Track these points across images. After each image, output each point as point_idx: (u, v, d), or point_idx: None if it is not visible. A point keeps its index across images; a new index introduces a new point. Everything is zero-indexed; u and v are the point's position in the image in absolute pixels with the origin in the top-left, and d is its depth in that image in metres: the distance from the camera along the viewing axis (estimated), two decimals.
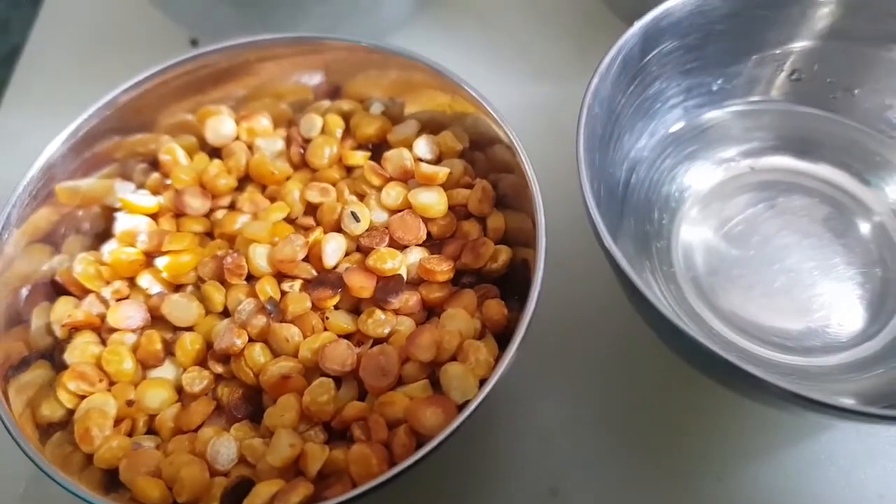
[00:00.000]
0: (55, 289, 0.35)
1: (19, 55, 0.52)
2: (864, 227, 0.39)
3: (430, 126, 0.39)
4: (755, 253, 0.39)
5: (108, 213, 0.37)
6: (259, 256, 0.34)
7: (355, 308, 0.34)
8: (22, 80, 0.51)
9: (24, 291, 0.34)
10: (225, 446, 0.30)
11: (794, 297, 0.38)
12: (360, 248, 0.35)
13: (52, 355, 0.34)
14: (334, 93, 0.40)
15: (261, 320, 0.32)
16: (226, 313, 0.34)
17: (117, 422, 0.32)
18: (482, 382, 0.29)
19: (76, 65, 0.51)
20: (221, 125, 0.39)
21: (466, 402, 0.29)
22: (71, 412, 0.32)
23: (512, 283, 0.34)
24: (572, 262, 0.38)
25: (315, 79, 0.40)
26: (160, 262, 0.34)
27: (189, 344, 0.33)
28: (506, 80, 0.47)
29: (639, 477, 0.35)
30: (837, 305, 0.37)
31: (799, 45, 0.40)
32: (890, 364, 0.36)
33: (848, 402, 0.35)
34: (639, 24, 0.35)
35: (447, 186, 0.36)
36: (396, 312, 0.33)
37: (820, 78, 0.41)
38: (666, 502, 0.34)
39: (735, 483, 0.34)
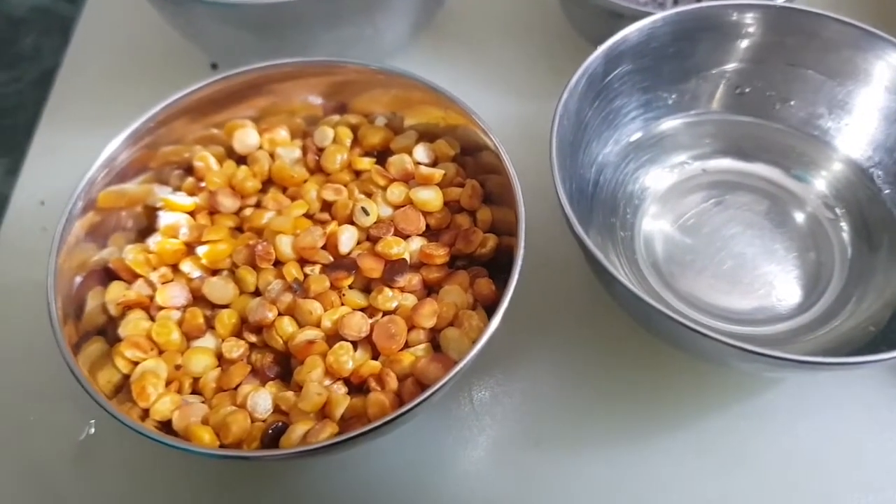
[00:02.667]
0: (107, 275, 0.40)
1: (53, 78, 0.57)
2: (800, 217, 0.45)
3: (427, 136, 0.44)
4: (706, 241, 0.44)
5: (148, 213, 0.42)
6: (285, 245, 0.39)
7: (367, 287, 0.38)
8: (58, 100, 0.55)
9: (78, 279, 0.39)
10: (262, 398, 0.35)
11: (739, 278, 0.43)
12: (369, 238, 0.39)
13: (106, 331, 0.38)
14: (341, 110, 0.45)
15: (288, 297, 0.37)
16: (257, 293, 0.39)
17: (167, 384, 0.36)
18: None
19: (107, 85, 0.55)
20: (247, 136, 0.43)
21: None
22: (125, 378, 0.36)
23: (499, 265, 0.39)
24: (549, 247, 0.44)
25: (325, 96, 0.45)
26: (200, 250, 0.39)
27: (227, 318, 0.38)
28: (489, 97, 0.52)
29: (610, 429, 0.40)
30: (778, 284, 0.43)
31: (740, 64, 0.46)
32: (822, 331, 0.41)
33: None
34: (601, 48, 0.41)
35: (442, 185, 0.41)
36: (402, 290, 0.38)
37: (761, 91, 0.46)
38: (633, 452, 0.39)
39: (691, 434, 0.39)
